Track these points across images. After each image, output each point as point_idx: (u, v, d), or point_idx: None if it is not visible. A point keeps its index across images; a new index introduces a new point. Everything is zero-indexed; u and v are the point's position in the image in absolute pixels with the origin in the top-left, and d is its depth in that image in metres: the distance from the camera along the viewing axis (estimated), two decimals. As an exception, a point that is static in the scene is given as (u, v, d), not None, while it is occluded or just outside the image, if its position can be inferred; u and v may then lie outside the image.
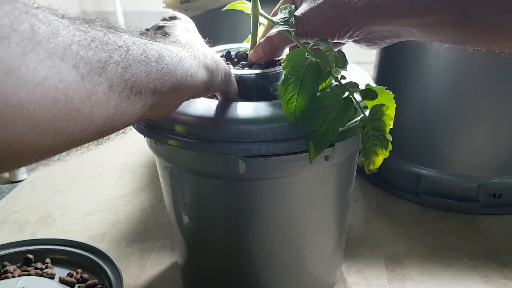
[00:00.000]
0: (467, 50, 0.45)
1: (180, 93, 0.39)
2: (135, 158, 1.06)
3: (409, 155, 0.86)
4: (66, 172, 1.02)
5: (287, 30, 0.49)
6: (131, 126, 0.48)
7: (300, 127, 0.47)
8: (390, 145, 0.49)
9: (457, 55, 0.76)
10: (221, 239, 0.57)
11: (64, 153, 0.31)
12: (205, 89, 0.43)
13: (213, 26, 0.83)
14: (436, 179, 0.83)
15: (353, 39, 0.48)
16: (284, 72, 0.54)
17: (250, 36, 0.59)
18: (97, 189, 0.95)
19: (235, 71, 0.54)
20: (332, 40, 0.48)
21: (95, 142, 0.33)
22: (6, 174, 1.00)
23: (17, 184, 0.98)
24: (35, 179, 0.99)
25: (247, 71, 0.53)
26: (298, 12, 0.48)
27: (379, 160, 0.50)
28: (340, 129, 0.46)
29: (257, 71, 0.53)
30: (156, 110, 0.36)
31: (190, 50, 0.41)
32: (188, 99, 0.42)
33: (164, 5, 0.83)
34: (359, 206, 0.84)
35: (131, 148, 1.11)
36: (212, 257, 0.60)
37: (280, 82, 0.47)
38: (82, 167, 1.04)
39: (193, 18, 0.83)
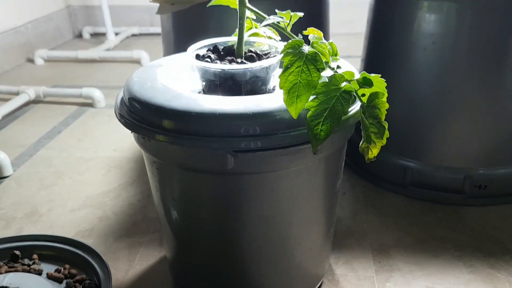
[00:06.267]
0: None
1: None
2: (122, 153, 1.06)
3: (396, 147, 0.87)
4: (52, 168, 1.01)
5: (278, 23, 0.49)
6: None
7: (298, 119, 0.47)
8: (387, 132, 0.50)
9: (443, 49, 0.77)
10: (209, 233, 0.57)
11: None
12: None
13: (200, 20, 0.82)
14: (422, 171, 0.84)
15: None
16: (272, 65, 0.55)
17: (237, 29, 0.59)
18: (84, 184, 0.94)
19: (222, 66, 0.53)
20: None
21: None
22: (-9, 170, 0.98)
23: (2, 180, 0.97)
24: (20, 175, 0.98)
25: (235, 66, 0.53)
26: None
27: (376, 148, 0.50)
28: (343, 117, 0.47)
29: (245, 66, 0.53)
30: None
31: None
32: None
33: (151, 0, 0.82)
34: (347, 199, 0.85)
35: (118, 143, 1.10)
36: (201, 251, 0.59)
37: (276, 72, 0.47)
38: (68, 162, 1.03)
39: (180, 12, 0.82)
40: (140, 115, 0.52)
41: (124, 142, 1.10)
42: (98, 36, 2.12)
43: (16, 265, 0.70)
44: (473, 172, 0.82)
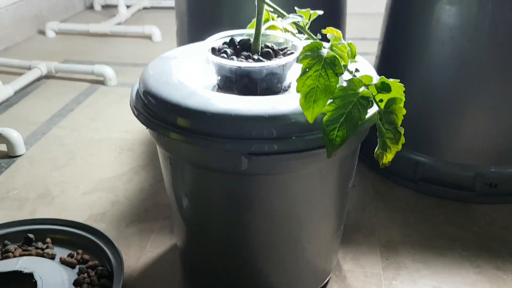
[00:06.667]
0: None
1: None
2: (134, 135, 1.06)
3: (408, 141, 0.85)
4: (63, 147, 1.01)
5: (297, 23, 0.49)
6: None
7: (314, 123, 0.46)
8: (402, 138, 0.49)
9: (461, 44, 0.75)
10: (220, 229, 0.58)
11: None
12: None
13: (215, 4, 0.81)
14: (433, 166, 0.84)
15: None
16: (288, 63, 0.54)
17: (254, 20, 0.58)
18: (96, 166, 0.95)
19: (238, 63, 0.53)
20: None
21: None
22: (5, 148, 0.99)
23: (15, 159, 0.98)
24: (33, 154, 0.99)
25: (251, 64, 0.52)
26: None
27: (391, 153, 0.50)
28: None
29: (262, 64, 0.52)
30: None
31: None
32: None
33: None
34: (357, 191, 0.85)
35: (129, 125, 1.10)
36: (211, 245, 0.60)
37: (293, 69, 0.47)
38: (80, 142, 1.03)
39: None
40: (155, 111, 0.52)
41: (135, 123, 1.10)
42: (109, 8, 2.10)
43: (30, 248, 0.71)
44: (484, 169, 0.81)
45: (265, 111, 0.48)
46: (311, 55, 0.46)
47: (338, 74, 0.46)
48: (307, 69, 0.46)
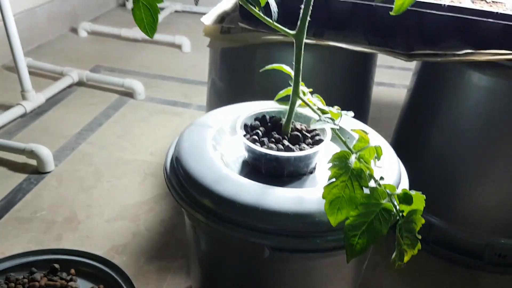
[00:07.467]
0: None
1: None
2: (158, 158, 1.10)
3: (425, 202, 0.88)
4: (91, 167, 1.06)
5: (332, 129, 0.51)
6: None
7: (335, 227, 0.49)
8: (419, 244, 0.52)
9: (487, 121, 0.77)
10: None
11: None
12: None
13: (249, 62, 0.83)
14: (446, 231, 0.86)
15: None
16: (316, 151, 0.57)
17: (285, 90, 0.61)
18: (121, 191, 0.99)
19: (268, 151, 0.55)
20: None
21: None
22: (34, 163, 1.04)
23: (44, 175, 1.02)
24: (62, 172, 1.03)
25: (280, 153, 0.55)
26: None
27: (407, 257, 0.52)
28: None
29: (291, 154, 0.55)
30: None
31: None
32: None
33: (204, 33, 0.83)
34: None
35: (155, 146, 1.14)
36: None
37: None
38: (107, 162, 1.07)
39: (232, 49, 0.83)
40: (186, 188, 0.55)
41: (160, 145, 1.14)
42: (142, 7, 2.12)
43: (55, 278, 0.76)
44: (495, 240, 0.83)
45: (291, 208, 0.50)
46: (339, 165, 0.48)
47: (363, 187, 0.48)
48: (334, 179, 0.48)
